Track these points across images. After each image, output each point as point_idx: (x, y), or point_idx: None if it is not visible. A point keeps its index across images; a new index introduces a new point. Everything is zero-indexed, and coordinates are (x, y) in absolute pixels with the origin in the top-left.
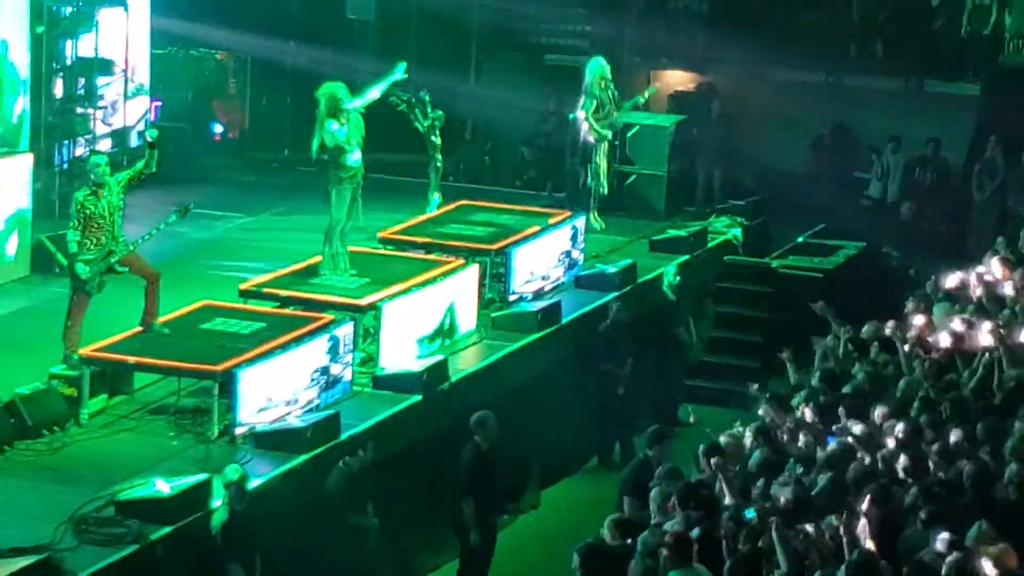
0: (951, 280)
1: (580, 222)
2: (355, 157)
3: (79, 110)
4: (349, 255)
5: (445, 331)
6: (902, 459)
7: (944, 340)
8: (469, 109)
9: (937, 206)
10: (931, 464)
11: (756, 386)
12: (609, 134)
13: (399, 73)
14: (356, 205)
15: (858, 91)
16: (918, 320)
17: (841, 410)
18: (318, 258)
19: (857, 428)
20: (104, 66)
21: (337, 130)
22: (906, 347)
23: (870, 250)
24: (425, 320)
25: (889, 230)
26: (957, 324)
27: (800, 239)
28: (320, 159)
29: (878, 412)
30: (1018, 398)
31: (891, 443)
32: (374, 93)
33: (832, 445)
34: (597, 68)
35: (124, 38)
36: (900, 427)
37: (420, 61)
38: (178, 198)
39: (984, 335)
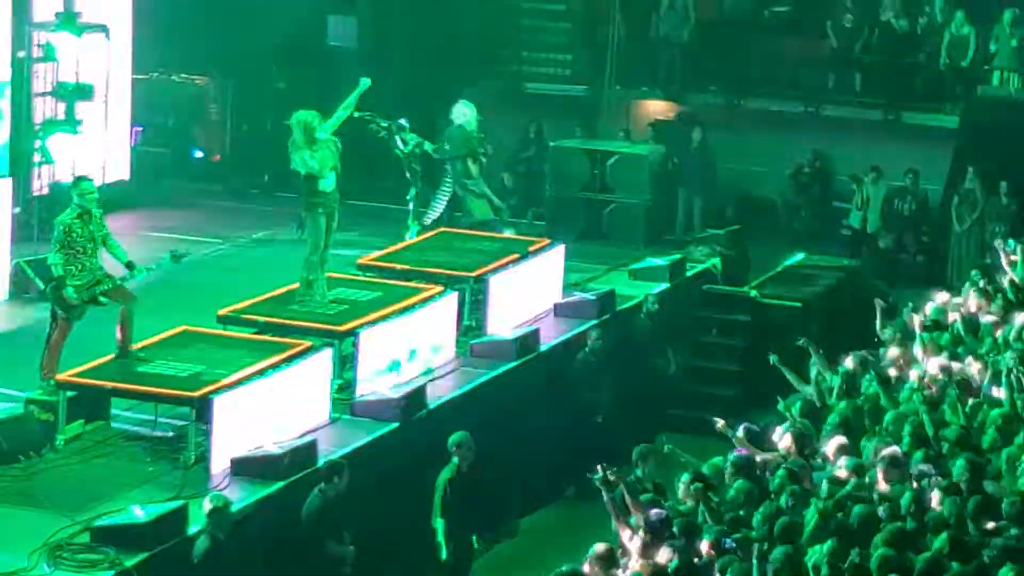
0: (929, 310)
1: (560, 251)
2: (329, 183)
3: (59, 135)
4: (328, 281)
5: (423, 358)
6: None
7: (933, 369)
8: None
9: (916, 236)
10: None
11: (721, 422)
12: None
13: (363, 87)
14: (331, 231)
15: (837, 121)
16: (894, 351)
17: (824, 445)
18: (296, 284)
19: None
20: (85, 91)
21: (310, 157)
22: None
23: (849, 279)
24: (403, 347)
25: (868, 260)
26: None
27: (780, 268)
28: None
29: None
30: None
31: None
32: (342, 113)
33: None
34: None
35: (105, 63)
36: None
37: (402, 88)
38: (157, 223)
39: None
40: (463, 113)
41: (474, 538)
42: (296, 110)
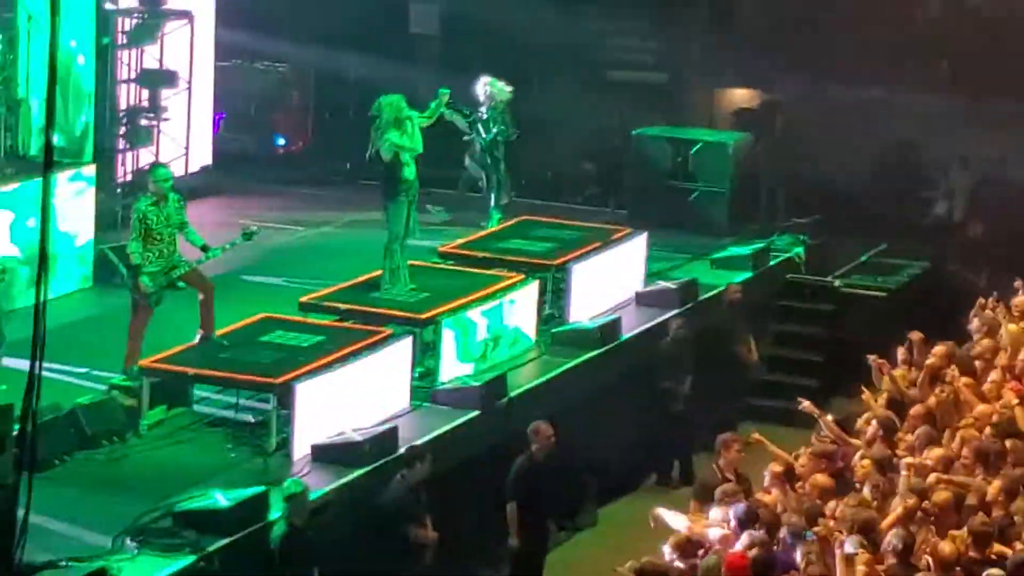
0: (1017, 301)
1: (643, 239)
2: (412, 171)
3: (143, 122)
4: (410, 268)
5: (505, 346)
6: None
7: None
8: (531, 124)
9: (1004, 226)
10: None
11: (806, 403)
12: None
13: (442, 98)
14: (412, 218)
15: (924, 109)
16: (982, 343)
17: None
18: (379, 272)
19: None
20: (168, 78)
21: (396, 142)
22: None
23: (935, 269)
24: (484, 335)
25: (954, 250)
26: None
27: (863, 258)
28: (377, 170)
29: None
30: None
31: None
32: (422, 121)
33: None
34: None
35: (189, 50)
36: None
37: (483, 74)
38: (240, 211)
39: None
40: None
41: (550, 526)
42: (380, 96)
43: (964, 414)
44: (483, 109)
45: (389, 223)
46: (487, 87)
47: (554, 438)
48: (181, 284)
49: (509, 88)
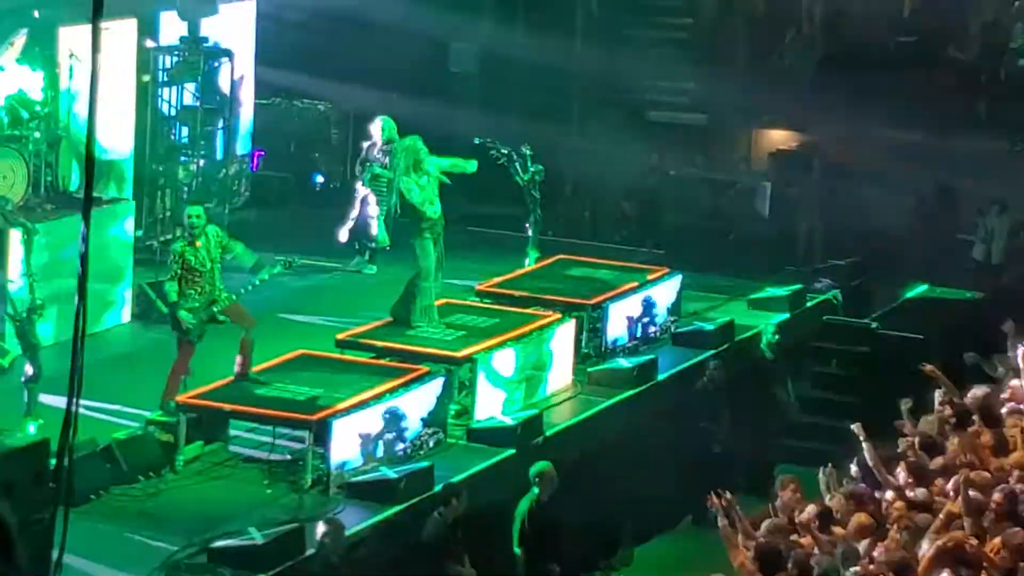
0: None
1: (679, 280)
2: (435, 209)
3: (182, 159)
4: (445, 307)
5: (541, 385)
6: None
7: None
8: (570, 163)
9: None
10: None
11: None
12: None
13: (469, 169)
14: (440, 256)
15: (962, 152)
16: (1011, 385)
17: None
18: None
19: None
20: (208, 115)
21: (415, 185)
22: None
23: (972, 313)
24: (520, 373)
25: (993, 293)
26: None
27: (901, 300)
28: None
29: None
30: None
31: None
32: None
33: None
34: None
35: (228, 88)
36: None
37: (521, 114)
38: (277, 248)
39: None
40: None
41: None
42: (413, 136)
43: (990, 459)
44: (375, 149)
45: (419, 262)
46: (380, 123)
47: (557, 481)
48: (223, 318)
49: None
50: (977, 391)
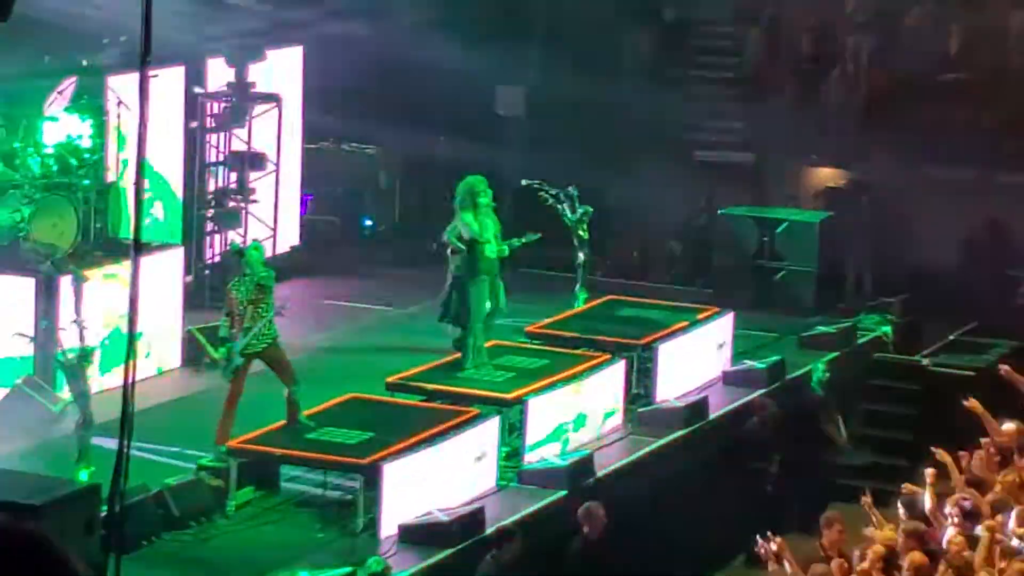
0: None
1: (730, 318)
2: (491, 249)
3: (231, 204)
4: (495, 348)
5: (591, 426)
6: None
7: None
8: (618, 204)
9: None
10: None
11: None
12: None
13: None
14: (501, 298)
15: (1013, 188)
16: None
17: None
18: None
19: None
20: (256, 160)
21: (472, 222)
22: None
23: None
24: (571, 415)
25: None
26: None
27: (952, 337)
28: (457, 250)
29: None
30: None
31: None
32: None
33: None
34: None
35: (277, 133)
36: None
37: (569, 156)
38: (328, 291)
39: None
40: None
41: None
42: (476, 176)
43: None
44: None
45: (470, 303)
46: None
47: (605, 520)
48: (263, 361)
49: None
50: (1010, 426)
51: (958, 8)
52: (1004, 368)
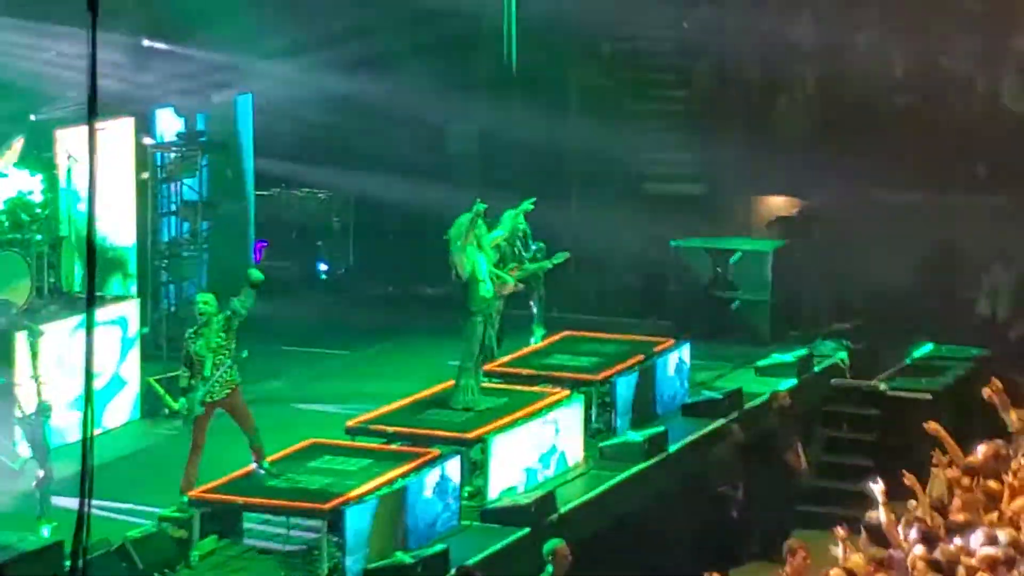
0: None
1: (686, 350)
2: (488, 289)
3: (185, 253)
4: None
5: (552, 462)
6: None
7: None
8: (571, 239)
9: None
10: None
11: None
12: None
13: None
14: (490, 336)
15: (963, 209)
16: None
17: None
18: (428, 391)
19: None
20: (208, 209)
21: (466, 261)
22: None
23: (980, 370)
24: (532, 452)
25: (999, 348)
26: None
27: (908, 360)
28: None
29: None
30: None
31: None
32: (498, 232)
33: None
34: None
35: (227, 182)
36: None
37: (521, 192)
38: (284, 336)
39: None
40: None
41: None
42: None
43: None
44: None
45: (464, 341)
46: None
47: (571, 558)
48: (221, 410)
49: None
50: (986, 448)
51: (902, 33)
52: (932, 426)
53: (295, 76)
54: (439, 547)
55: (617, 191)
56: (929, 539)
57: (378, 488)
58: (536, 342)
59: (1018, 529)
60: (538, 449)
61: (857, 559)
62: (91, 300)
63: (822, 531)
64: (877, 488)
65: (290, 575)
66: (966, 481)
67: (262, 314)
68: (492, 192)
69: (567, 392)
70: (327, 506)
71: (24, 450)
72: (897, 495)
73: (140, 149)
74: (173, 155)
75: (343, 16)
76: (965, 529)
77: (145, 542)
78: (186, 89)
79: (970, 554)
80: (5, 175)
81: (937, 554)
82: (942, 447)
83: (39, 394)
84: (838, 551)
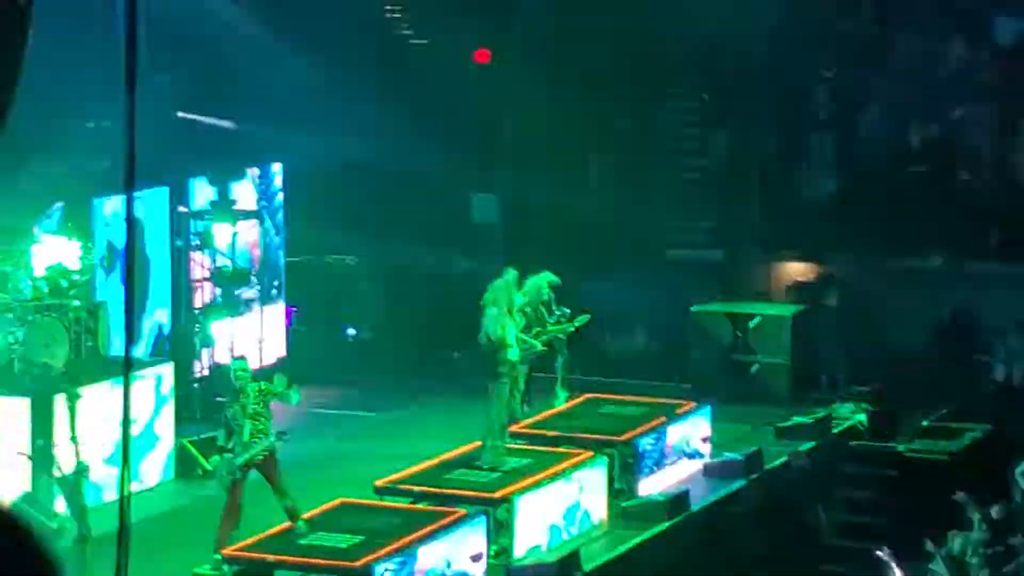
0: None
1: (707, 411)
2: (515, 353)
3: (217, 319)
4: (479, 449)
5: (576, 521)
6: None
7: None
8: (593, 304)
9: None
10: None
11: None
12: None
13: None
14: (518, 398)
15: (979, 275)
16: None
17: None
18: (455, 451)
19: None
20: (240, 276)
21: (497, 326)
22: None
23: (996, 434)
24: (556, 512)
25: (1015, 413)
26: None
27: (925, 423)
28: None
29: None
30: None
31: None
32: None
33: None
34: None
35: (260, 249)
36: None
37: (544, 260)
38: (314, 399)
39: None
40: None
41: None
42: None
43: None
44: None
45: (492, 403)
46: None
47: None
48: (256, 472)
49: None
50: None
51: (915, 101)
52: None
53: (324, 146)
54: None
55: (638, 257)
56: None
57: (407, 547)
58: (560, 405)
59: None
60: (562, 508)
61: None
62: (128, 364)
63: None
64: (886, 554)
65: None
66: None
67: (292, 377)
68: (515, 259)
69: (590, 453)
70: (358, 564)
71: (62, 508)
72: (914, 556)
73: (175, 217)
74: (206, 223)
75: (370, 91)
76: None
77: None
78: (219, 158)
79: None
80: (41, 241)
81: None
82: (960, 509)
83: (77, 455)
84: None
